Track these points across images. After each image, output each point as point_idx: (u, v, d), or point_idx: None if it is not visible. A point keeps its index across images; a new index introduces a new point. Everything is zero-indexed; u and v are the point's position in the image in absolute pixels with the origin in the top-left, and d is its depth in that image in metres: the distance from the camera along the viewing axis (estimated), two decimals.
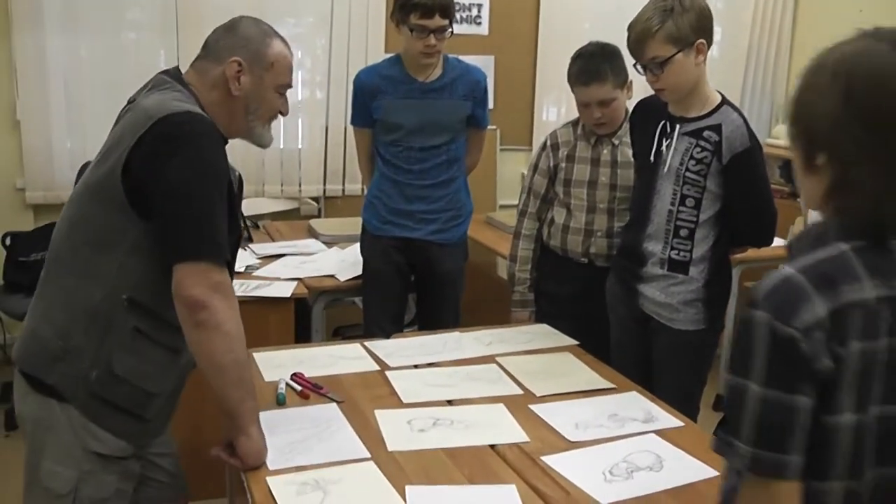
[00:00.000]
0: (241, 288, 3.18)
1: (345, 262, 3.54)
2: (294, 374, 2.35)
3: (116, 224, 1.83)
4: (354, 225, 3.58)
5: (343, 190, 4.91)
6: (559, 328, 2.86)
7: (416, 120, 3.20)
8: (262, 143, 2.10)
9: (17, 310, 3.67)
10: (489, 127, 3.53)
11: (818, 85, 1.27)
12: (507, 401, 2.28)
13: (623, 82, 2.90)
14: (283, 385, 2.28)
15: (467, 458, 1.97)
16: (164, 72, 2.01)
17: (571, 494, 1.84)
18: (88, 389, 1.83)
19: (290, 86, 2.07)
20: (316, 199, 4.90)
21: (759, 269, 3.53)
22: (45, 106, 4.27)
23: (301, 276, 3.38)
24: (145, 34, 4.46)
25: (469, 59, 3.40)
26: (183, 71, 2.01)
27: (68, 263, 1.88)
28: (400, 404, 2.25)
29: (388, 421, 2.13)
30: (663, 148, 2.61)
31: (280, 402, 2.21)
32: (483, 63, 4.53)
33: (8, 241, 4.04)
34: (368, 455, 1.95)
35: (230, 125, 1.99)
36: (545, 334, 2.83)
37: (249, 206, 4.26)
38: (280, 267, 3.51)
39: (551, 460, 1.97)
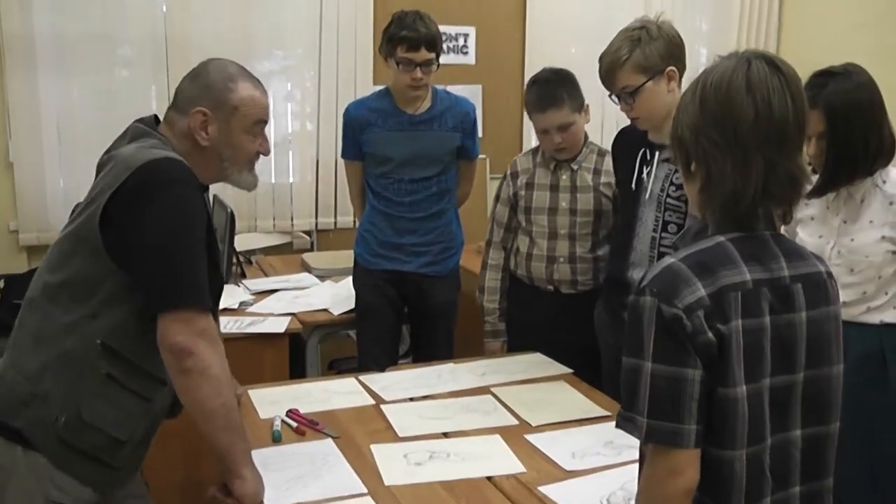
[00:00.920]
0: (235, 324, 3.19)
1: (338, 296, 3.55)
2: (289, 411, 2.36)
3: (94, 272, 1.82)
4: (347, 258, 3.59)
5: (335, 223, 4.92)
6: None
7: (405, 152, 3.22)
8: (244, 186, 2.09)
9: None
10: (479, 156, 3.55)
11: (684, 101, 1.47)
12: (503, 431, 2.29)
13: (580, 106, 2.92)
14: (278, 422, 2.29)
15: (465, 491, 1.97)
16: (140, 120, 2.00)
17: None
18: (56, 435, 1.80)
19: (264, 122, 2.03)
20: (308, 233, 4.91)
21: None
22: (37, 146, 4.26)
23: (295, 311, 3.38)
24: (136, 71, 4.47)
25: (457, 89, 3.43)
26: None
27: (44, 309, 1.86)
28: (396, 438, 2.25)
29: (385, 455, 2.13)
30: (644, 175, 2.63)
31: (276, 439, 2.21)
32: (471, 92, 4.57)
33: (2, 284, 4.03)
34: (365, 490, 1.95)
35: (206, 173, 1.98)
36: (539, 363, 2.84)
37: (242, 242, 4.26)
38: (274, 302, 3.52)
39: (549, 490, 1.97)
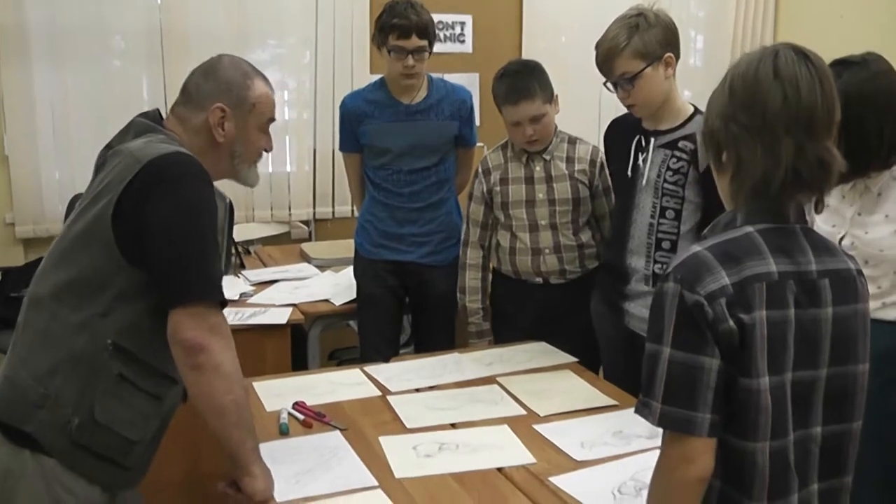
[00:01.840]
0: (237, 316, 3.17)
1: (339, 286, 3.53)
2: (296, 403, 2.35)
3: (104, 270, 1.80)
4: (346, 248, 3.58)
5: (333, 212, 4.90)
6: None
7: (403, 142, 3.21)
8: (249, 183, 2.10)
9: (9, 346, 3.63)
10: (477, 144, 3.53)
11: (713, 95, 1.50)
12: (511, 422, 2.28)
13: (550, 96, 2.89)
14: (285, 415, 2.28)
15: (476, 483, 1.96)
16: (143, 115, 1.99)
17: None
18: (69, 437, 1.78)
19: (273, 120, 2.06)
20: (306, 223, 4.89)
21: None
22: (32, 139, 4.24)
23: (296, 302, 3.36)
24: (130, 63, 4.45)
25: (454, 77, 3.41)
26: (164, 107, 1.98)
27: (51, 308, 1.83)
28: (404, 430, 2.24)
29: (394, 447, 2.13)
30: (640, 162, 2.62)
31: (283, 432, 2.20)
32: (468, 81, 4.54)
33: None
34: (376, 483, 1.94)
35: (215, 169, 1.97)
36: (544, 352, 2.83)
37: (240, 232, 4.24)
38: (274, 293, 3.51)
39: (559, 481, 1.96)
